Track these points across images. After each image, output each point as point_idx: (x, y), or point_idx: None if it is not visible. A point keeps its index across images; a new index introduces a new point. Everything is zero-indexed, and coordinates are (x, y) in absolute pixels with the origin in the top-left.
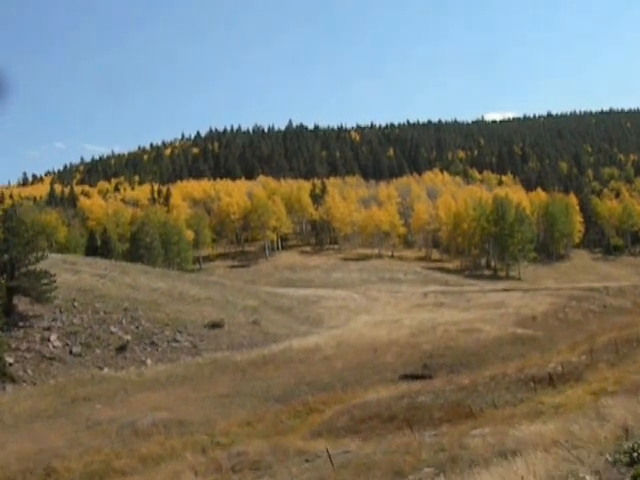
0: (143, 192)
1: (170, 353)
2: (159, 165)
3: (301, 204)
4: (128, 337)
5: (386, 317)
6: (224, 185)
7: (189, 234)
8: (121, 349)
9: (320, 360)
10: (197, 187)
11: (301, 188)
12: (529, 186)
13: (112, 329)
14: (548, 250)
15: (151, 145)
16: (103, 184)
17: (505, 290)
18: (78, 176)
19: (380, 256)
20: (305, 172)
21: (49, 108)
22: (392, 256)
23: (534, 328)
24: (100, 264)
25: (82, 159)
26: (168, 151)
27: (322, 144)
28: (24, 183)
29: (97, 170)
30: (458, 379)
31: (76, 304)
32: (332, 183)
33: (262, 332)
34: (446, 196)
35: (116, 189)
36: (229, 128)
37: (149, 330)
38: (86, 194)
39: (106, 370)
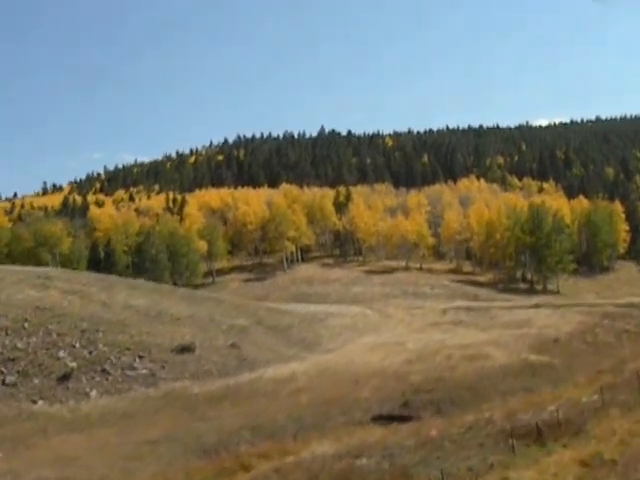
0: (158, 201)
1: (121, 383)
2: (181, 173)
3: (323, 213)
4: (74, 364)
5: (392, 338)
6: (243, 193)
7: (202, 245)
8: (64, 378)
9: (288, 394)
10: (215, 196)
11: (324, 196)
12: (571, 193)
13: (60, 354)
14: (590, 261)
15: (177, 153)
16: (120, 193)
17: (535, 306)
18: (98, 185)
19: (407, 269)
20: (332, 179)
21: (86, 118)
22: (420, 269)
23: (553, 353)
24: (82, 278)
25: (105, 168)
26: (192, 159)
27: (353, 151)
28: (44, 193)
29: (117, 179)
30: (427, 427)
31: (27, 325)
32: (359, 191)
33: (239, 357)
34: (479, 204)
35: (130, 198)
36: (258, 135)
37: (104, 355)
38: (99, 204)
39: (40, 404)
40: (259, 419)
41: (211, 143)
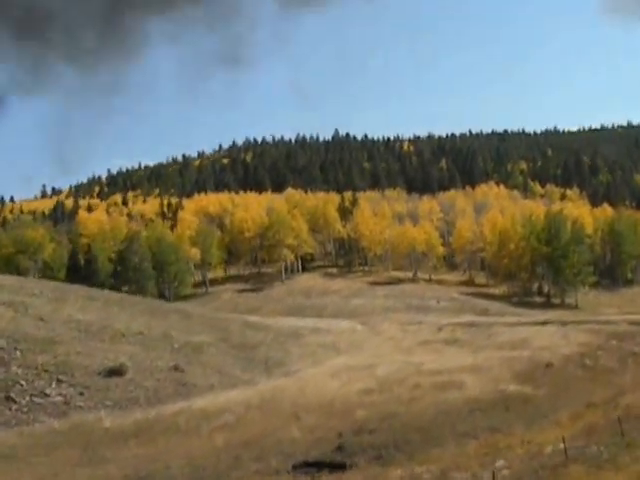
0: (152, 206)
1: (27, 413)
2: (183, 177)
3: (327, 220)
4: None
5: (366, 360)
6: (243, 198)
7: (194, 253)
8: None
9: (209, 431)
10: (214, 200)
11: (328, 201)
12: (596, 201)
13: None
14: (614, 274)
15: (183, 156)
16: (116, 197)
17: (543, 323)
18: (97, 189)
19: (414, 280)
20: (342, 185)
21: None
22: (430, 280)
23: (541, 382)
24: (35, 287)
25: (109, 171)
26: (197, 162)
27: (367, 155)
28: (42, 196)
29: (116, 183)
30: None
31: None
32: (367, 196)
33: (177, 382)
34: (493, 211)
35: (124, 203)
36: (269, 138)
37: (14, 379)
38: (90, 208)
39: None
40: (152, 466)
41: (220, 147)
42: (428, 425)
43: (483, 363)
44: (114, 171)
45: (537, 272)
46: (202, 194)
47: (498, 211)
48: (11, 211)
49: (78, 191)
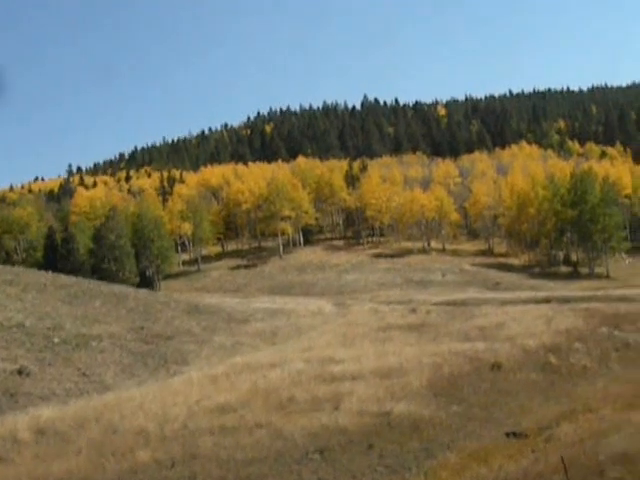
0: (154, 181)
1: None
2: (200, 150)
3: (332, 189)
4: None
5: (283, 355)
6: (248, 169)
7: (187, 228)
8: None
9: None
10: (217, 173)
11: (333, 169)
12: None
13: None
14: None
15: (209, 129)
16: (122, 174)
17: (546, 301)
18: (118, 167)
19: (425, 251)
20: (361, 151)
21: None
22: (443, 250)
23: (462, 395)
24: None
25: (136, 148)
26: (217, 135)
27: (390, 120)
28: (69, 175)
29: (135, 159)
30: None
31: None
32: (382, 162)
33: (6, 392)
34: (515, 173)
35: (127, 179)
36: (296, 107)
37: None
38: (88, 186)
39: None
40: None
41: (248, 118)
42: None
43: (408, 362)
44: (139, 147)
45: (563, 239)
46: (207, 167)
47: (520, 172)
48: (11, 189)
49: (97, 169)
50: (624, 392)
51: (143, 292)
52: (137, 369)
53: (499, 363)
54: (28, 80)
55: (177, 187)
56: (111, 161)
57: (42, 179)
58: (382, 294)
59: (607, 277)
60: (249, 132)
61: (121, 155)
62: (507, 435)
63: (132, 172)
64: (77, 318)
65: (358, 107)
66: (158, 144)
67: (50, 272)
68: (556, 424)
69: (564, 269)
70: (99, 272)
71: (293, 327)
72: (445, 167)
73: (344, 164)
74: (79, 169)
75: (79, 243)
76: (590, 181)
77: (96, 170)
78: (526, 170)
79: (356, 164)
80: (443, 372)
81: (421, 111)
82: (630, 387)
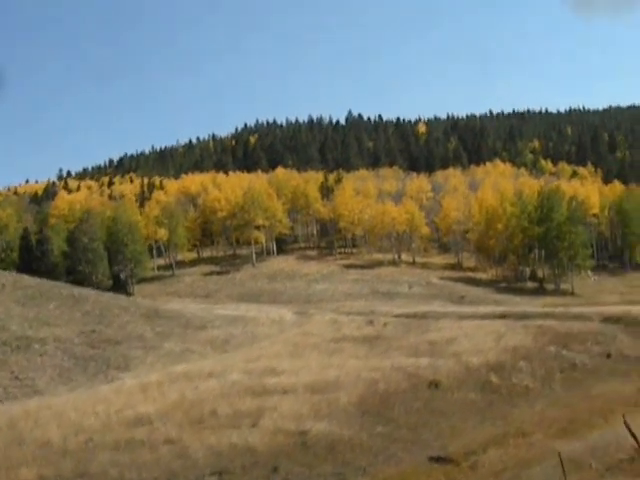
0: (135, 187)
1: None
2: (187, 159)
3: (307, 200)
4: None
5: (227, 365)
6: (227, 178)
7: (163, 234)
8: None
9: None
10: (197, 180)
11: (309, 180)
12: (610, 179)
13: None
14: (623, 257)
15: (197, 139)
16: (104, 179)
17: (501, 316)
18: (109, 171)
19: (395, 263)
20: (340, 164)
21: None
22: (413, 262)
23: (393, 414)
24: None
25: (126, 154)
26: (205, 145)
27: (371, 135)
28: (59, 179)
29: (123, 165)
30: None
31: None
32: (358, 175)
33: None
34: (485, 189)
35: (110, 184)
36: (282, 120)
37: None
38: (70, 190)
39: None
40: None
41: (236, 129)
42: None
43: (347, 376)
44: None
45: (530, 255)
46: (188, 175)
47: (490, 188)
48: None
49: (86, 174)
50: (561, 416)
51: (106, 295)
52: (75, 374)
53: (438, 381)
54: (28, 80)
55: (156, 193)
56: (100, 167)
57: (33, 182)
58: (347, 304)
59: (572, 294)
60: (234, 143)
61: (110, 161)
62: (430, 460)
63: (117, 178)
64: (27, 320)
65: (343, 122)
66: (148, 152)
67: (14, 273)
68: (483, 450)
69: (530, 285)
70: (73, 274)
71: (249, 335)
72: (419, 182)
73: (320, 176)
74: (69, 173)
75: (54, 245)
76: (557, 199)
77: (85, 175)
78: (497, 187)
79: (332, 176)
80: (378, 388)
81: (402, 127)
82: (568, 411)
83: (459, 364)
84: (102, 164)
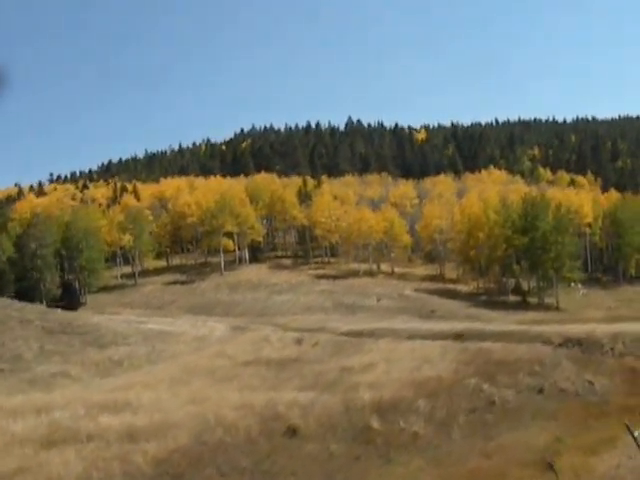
0: (107, 191)
1: None
2: (173, 164)
3: (284, 206)
4: None
5: (71, 398)
6: (202, 182)
7: (127, 240)
8: None
9: None
10: (172, 184)
11: (287, 186)
12: (608, 188)
13: None
14: (616, 270)
15: (194, 144)
16: (78, 183)
17: (456, 336)
18: (95, 176)
19: (372, 273)
20: (328, 169)
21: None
22: (392, 273)
23: (212, 475)
24: None
25: (111, 160)
26: (197, 150)
27: (365, 140)
28: (50, 182)
29: (110, 170)
30: None
31: None
32: (343, 181)
33: None
34: (470, 196)
35: (84, 188)
36: (280, 126)
37: None
38: (38, 194)
39: None
40: None
41: (235, 134)
42: None
43: (192, 417)
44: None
45: (513, 266)
46: (167, 179)
47: (476, 196)
48: None
49: (75, 178)
50: None
51: (17, 306)
52: None
53: (296, 427)
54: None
55: (126, 198)
56: (90, 171)
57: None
58: (300, 319)
59: (556, 309)
60: (225, 148)
61: (102, 165)
62: None
63: (99, 182)
64: None
65: (342, 128)
66: (140, 156)
67: None
68: None
69: (512, 298)
70: (21, 282)
71: (154, 355)
72: (404, 188)
73: (297, 180)
74: (58, 177)
75: (2, 250)
76: (542, 207)
77: (73, 179)
78: (484, 194)
79: (311, 181)
80: (204, 439)
81: (399, 133)
82: (452, 471)
83: (343, 402)
84: (95, 168)
